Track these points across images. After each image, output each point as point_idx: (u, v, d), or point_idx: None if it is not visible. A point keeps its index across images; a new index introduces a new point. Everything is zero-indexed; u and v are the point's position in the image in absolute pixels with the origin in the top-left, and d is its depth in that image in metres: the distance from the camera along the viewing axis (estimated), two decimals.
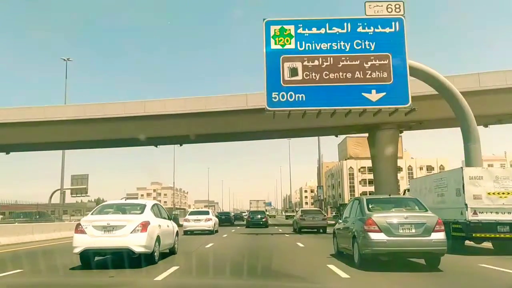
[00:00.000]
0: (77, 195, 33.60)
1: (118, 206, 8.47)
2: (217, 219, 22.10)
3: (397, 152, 23.85)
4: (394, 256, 6.97)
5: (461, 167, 10.19)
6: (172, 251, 9.24)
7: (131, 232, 7.31)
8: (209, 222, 18.76)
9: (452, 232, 9.57)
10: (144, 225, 7.45)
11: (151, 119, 24.61)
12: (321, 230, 19.60)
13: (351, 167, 77.18)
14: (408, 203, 7.84)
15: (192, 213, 20.64)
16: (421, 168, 74.66)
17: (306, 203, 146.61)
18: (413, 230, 6.80)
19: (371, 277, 6.40)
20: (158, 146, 30.84)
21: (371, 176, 76.44)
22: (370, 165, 77.60)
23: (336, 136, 27.87)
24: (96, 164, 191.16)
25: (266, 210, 46.83)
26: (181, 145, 30.34)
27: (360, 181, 76.62)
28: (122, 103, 25.56)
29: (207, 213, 20.01)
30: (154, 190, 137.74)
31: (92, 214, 8.12)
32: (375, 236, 6.77)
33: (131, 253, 7.25)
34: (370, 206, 7.46)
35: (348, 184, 76.33)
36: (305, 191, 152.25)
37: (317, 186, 31.44)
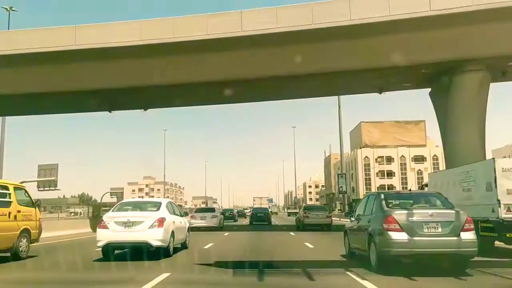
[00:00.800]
0: (45, 188, 33.43)
1: (135, 204, 10.52)
2: (222, 216, 24.94)
3: (485, 112, 17.58)
4: (417, 258, 6.98)
5: (493, 158, 10.13)
6: (184, 246, 11.09)
7: (149, 228, 8.97)
8: (214, 219, 21.80)
9: (481, 231, 9.62)
10: (161, 221, 9.11)
11: (85, 57, 16.75)
12: (325, 228, 21.04)
13: (366, 156, 77.05)
14: (432, 199, 7.89)
15: (198, 210, 24.16)
16: None
17: (311, 199, 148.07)
18: (439, 229, 6.83)
19: (394, 282, 6.44)
20: (112, 111, 22.63)
21: (390, 167, 77.01)
22: (389, 154, 78.22)
23: (380, 93, 20.04)
24: (85, 156, 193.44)
25: (269, 207, 52.95)
26: (145, 109, 22.78)
27: (377, 173, 76.48)
28: (33, 31, 17.22)
29: (213, 210, 23.55)
30: (147, 185, 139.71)
31: (112, 211, 9.84)
32: (396, 235, 6.81)
33: (149, 247, 8.90)
34: (389, 202, 7.52)
35: (363, 177, 76.22)
36: (309, 186, 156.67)
37: (338, 175, 28.32)
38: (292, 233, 18.78)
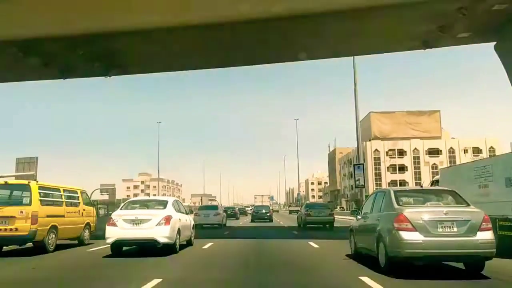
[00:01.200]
0: None
1: (143, 202, 11.71)
2: (225, 214, 26.75)
3: None
4: (431, 260, 6.97)
5: None
6: (189, 243, 12.10)
7: (156, 225, 9.86)
8: (218, 216, 23.77)
9: (499, 230, 9.60)
10: (167, 219, 10.01)
11: None
12: (327, 226, 22.18)
13: (376, 149, 76.41)
14: (445, 196, 7.88)
15: (202, 208, 25.85)
16: (465, 151, 73.26)
17: (313, 196, 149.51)
18: (455, 229, 6.82)
19: (405, 286, 6.49)
20: (66, 78, 18.20)
21: (402, 161, 75.89)
22: (401, 146, 76.20)
23: (425, 49, 16.06)
24: (73, 149, 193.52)
25: (270, 204, 57.30)
26: (108, 75, 17.97)
27: (388, 168, 76.01)
28: None
29: (216, 208, 25.37)
30: (142, 182, 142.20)
31: (121, 209, 10.92)
32: (408, 235, 6.82)
33: (156, 244, 9.83)
34: (400, 200, 7.56)
35: (373, 171, 75.39)
36: (312, 183, 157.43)
37: (354, 165, 25.26)
38: (295, 232, 19.62)
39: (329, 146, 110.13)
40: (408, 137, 75.35)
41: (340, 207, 79.06)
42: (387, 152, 76.10)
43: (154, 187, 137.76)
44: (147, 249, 10.38)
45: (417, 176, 73.03)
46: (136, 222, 9.97)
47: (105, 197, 36.47)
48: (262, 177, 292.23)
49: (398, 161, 76.30)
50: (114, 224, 10.06)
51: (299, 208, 69.97)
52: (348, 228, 10.40)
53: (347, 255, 9.57)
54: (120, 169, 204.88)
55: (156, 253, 9.89)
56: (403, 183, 70.93)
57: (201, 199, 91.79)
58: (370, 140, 76.47)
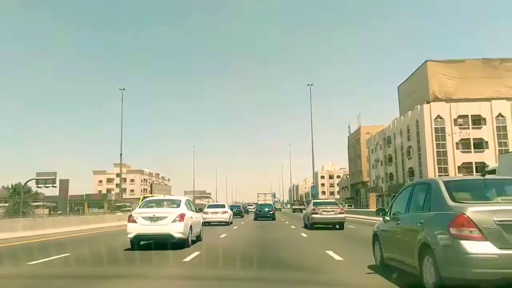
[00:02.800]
0: None
1: (158, 202, 17.65)
2: (231, 212, 36.97)
3: None
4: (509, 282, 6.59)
5: None
6: (199, 238, 17.92)
7: (171, 222, 15.06)
8: (225, 214, 34.14)
9: None
10: (182, 216, 15.31)
11: None
12: (337, 226, 26.76)
13: (438, 116, 69.55)
14: None
15: (210, 206, 36.84)
16: None
17: (323, 192, 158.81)
18: None
19: None
20: None
21: (478, 133, 68.33)
22: (476, 111, 68.64)
23: None
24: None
25: (273, 202, 77.56)
26: None
27: (457, 144, 69.00)
28: None
29: (223, 206, 36.62)
30: (118, 175, 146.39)
31: (139, 207, 16.78)
32: (474, 247, 6.51)
33: (171, 238, 14.86)
34: (454, 194, 7.44)
35: (433, 149, 68.55)
36: (322, 177, 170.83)
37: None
38: (304, 234, 22.94)
39: (349, 127, 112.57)
40: (488, 97, 68.36)
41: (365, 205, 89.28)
42: (455, 120, 68.48)
43: (132, 180, 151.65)
44: (161, 244, 14.82)
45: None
46: (153, 219, 15.00)
47: (52, 191, 41.92)
48: (263, 173, 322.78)
49: (473, 133, 68.60)
50: (134, 221, 15.00)
51: (303, 207, 79.66)
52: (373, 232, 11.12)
53: (370, 267, 10.17)
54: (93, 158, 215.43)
55: (171, 247, 14.35)
56: (480, 166, 61.28)
57: (193, 198, 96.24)
58: (428, 103, 69.20)
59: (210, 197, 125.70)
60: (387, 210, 10.27)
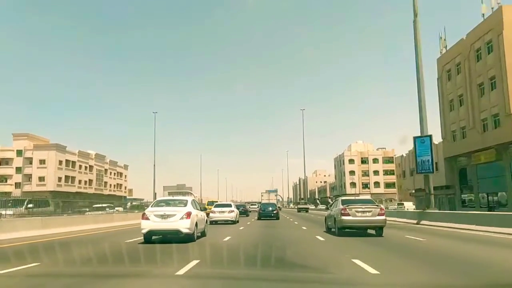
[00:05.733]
0: None
1: (168, 201, 18.40)
2: (238, 211, 37.89)
3: None
4: None
5: None
6: (203, 234, 19.38)
7: (180, 219, 16.33)
8: (232, 213, 34.57)
9: None
10: (188, 214, 16.58)
11: None
12: (376, 232, 20.70)
13: None
14: None
15: (217, 205, 37.44)
16: None
17: (353, 184, 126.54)
18: None
19: None
20: None
21: None
22: None
23: None
24: None
25: (276, 202, 74.13)
26: None
27: None
28: None
29: (230, 205, 37.20)
30: (19, 153, 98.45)
31: (151, 206, 17.77)
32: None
33: (179, 233, 16.30)
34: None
35: None
36: (350, 160, 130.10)
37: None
38: (320, 238, 19.45)
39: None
40: None
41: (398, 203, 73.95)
42: None
43: (42, 162, 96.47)
44: (171, 238, 16.46)
45: None
46: (164, 216, 16.42)
47: None
48: (264, 171, 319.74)
49: None
50: (147, 218, 16.42)
51: (308, 206, 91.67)
52: None
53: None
54: None
55: (179, 241, 15.74)
56: None
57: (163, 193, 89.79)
58: None
59: (191, 193, 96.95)
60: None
